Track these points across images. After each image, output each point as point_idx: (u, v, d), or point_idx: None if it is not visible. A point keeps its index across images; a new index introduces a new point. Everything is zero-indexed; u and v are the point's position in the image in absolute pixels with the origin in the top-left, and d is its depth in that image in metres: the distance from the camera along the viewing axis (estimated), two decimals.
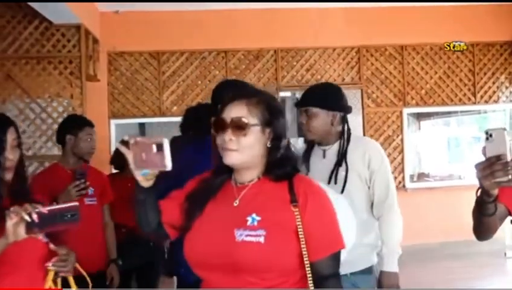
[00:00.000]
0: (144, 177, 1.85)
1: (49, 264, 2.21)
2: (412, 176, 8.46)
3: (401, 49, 8.26)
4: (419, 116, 9.25)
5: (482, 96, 8.41)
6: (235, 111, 1.86)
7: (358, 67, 8.20)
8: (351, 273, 2.88)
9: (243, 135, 1.83)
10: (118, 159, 4.50)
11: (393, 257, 2.90)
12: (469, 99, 8.38)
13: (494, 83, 8.45)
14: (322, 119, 2.93)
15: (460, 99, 8.37)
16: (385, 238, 2.91)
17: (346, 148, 2.95)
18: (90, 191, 3.69)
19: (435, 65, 8.34)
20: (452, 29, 8.10)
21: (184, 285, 2.97)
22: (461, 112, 8.91)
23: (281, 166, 1.89)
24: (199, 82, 7.93)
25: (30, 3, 5.78)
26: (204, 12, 7.71)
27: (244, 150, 1.84)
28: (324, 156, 2.98)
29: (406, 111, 8.33)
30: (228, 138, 1.83)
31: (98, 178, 3.95)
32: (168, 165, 1.76)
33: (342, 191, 2.87)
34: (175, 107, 7.93)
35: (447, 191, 7.93)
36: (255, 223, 1.80)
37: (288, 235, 1.78)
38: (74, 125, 3.92)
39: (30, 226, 1.88)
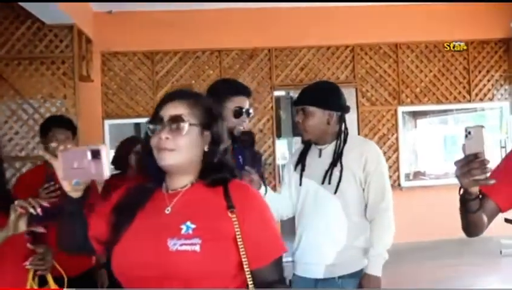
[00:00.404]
0: (73, 187, 1.71)
1: (27, 263, 2.22)
2: (408, 175, 8.45)
3: (395, 47, 8.25)
4: (415, 115, 9.23)
5: (477, 94, 8.41)
6: (175, 109, 1.74)
7: (352, 66, 8.19)
8: (339, 277, 2.86)
9: (180, 134, 1.71)
10: (118, 160, 4.45)
11: (379, 261, 2.83)
12: (464, 97, 8.38)
13: (489, 80, 8.44)
14: (318, 118, 2.89)
15: (455, 98, 8.37)
16: (375, 241, 2.85)
17: (343, 148, 2.91)
18: None
19: (429, 63, 8.33)
20: (447, 27, 8.10)
21: None
22: (456, 110, 8.90)
23: (217, 171, 1.78)
24: (193, 82, 7.90)
25: (22, 4, 5.74)
26: (198, 11, 7.69)
27: (181, 150, 1.72)
28: (320, 156, 2.95)
29: (401, 109, 8.32)
30: (164, 136, 1.70)
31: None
32: (105, 174, 1.61)
33: (335, 192, 2.85)
34: None
35: (443, 190, 7.89)
36: (190, 231, 1.67)
37: (226, 243, 1.67)
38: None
39: (32, 220, 1.90)
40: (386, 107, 8.24)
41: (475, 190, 1.84)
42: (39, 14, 6.09)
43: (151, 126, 1.75)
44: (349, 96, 8.05)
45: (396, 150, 8.23)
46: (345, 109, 2.99)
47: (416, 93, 8.34)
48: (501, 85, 8.49)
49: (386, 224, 2.89)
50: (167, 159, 1.71)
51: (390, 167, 8.14)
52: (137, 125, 8.67)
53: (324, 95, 2.95)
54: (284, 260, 1.81)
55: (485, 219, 1.99)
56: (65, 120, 3.70)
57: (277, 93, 8.45)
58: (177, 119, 1.73)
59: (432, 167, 8.91)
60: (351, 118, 9.55)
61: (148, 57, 7.88)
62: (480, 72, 8.41)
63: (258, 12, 7.81)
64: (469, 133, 1.78)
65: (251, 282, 1.67)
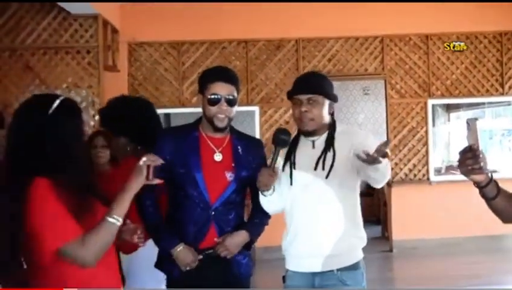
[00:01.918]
0: None
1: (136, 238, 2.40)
2: (439, 169, 8.27)
3: (426, 38, 8.06)
4: (448, 108, 9.04)
5: (510, 87, 8.16)
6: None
7: (381, 58, 8.03)
8: (338, 269, 2.80)
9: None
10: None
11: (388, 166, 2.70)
12: (496, 90, 8.14)
13: None
14: (325, 108, 2.85)
15: (487, 90, 8.14)
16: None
17: (333, 135, 2.87)
18: None
19: (461, 55, 8.11)
20: (478, 18, 7.88)
21: (168, 279, 2.93)
22: (488, 103, 8.67)
23: None
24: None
25: None
26: (225, 2, 7.60)
27: None
28: (314, 147, 2.88)
29: (431, 102, 8.13)
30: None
31: None
32: None
33: (327, 176, 2.77)
34: (195, 98, 7.84)
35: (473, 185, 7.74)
36: None
37: None
38: None
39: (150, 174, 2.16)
40: (416, 100, 8.06)
41: (477, 178, 2.01)
42: (64, 4, 6.10)
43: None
44: (378, 88, 7.95)
45: (426, 143, 8.05)
46: (336, 99, 2.97)
47: (447, 85, 8.14)
48: None
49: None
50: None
51: (419, 161, 7.99)
52: (167, 115, 8.68)
53: (325, 84, 2.91)
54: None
55: (509, 205, 2.08)
56: None
57: None
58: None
59: None
60: (379, 110, 9.44)
61: (175, 47, 7.84)
62: None
63: (286, 2, 7.70)
64: (468, 125, 1.93)
65: None
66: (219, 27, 7.71)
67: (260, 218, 2.99)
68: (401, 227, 7.71)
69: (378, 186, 2.84)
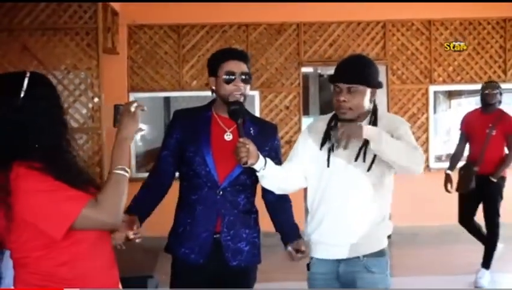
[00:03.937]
0: None
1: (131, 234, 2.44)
2: (439, 156, 8.22)
3: (428, 24, 7.98)
4: (450, 95, 8.96)
5: None
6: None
7: (383, 43, 7.95)
8: (364, 256, 2.79)
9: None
10: None
11: (380, 133, 2.64)
12: (499, 76, 8.06)
13: None
14: (365, 97, 2.77)
15: (490, 77, 8.06)
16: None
17: (376, 124, 2.80)
18: None
19: (464, 41, 8.03)
20: (481, 4, 7.78)
21: (182, 265, 2.89)
22: None
23: None
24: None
25: None
26: None
27: None
28: None
29: (433, 89, 8.07)
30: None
31: None
32: None
33: (368, 170, 2.75)
34: (195, 82, 7.81)
35: None
36: None
37: None
38: None
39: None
40: (417, 86, 7.99)
41: None
42: None
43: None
44: (380, 74, 7.85)
45: (426, 130, 8.00)
46: (381, 85, 2.90)
47: (449, 72, 8.07)
48: None
49: (413, 150, 2.71)
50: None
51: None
52: (167, 99, 8.64)
53: (369, 71, 2.82)
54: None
55: None
56: None
57: (305, 69, 8.28)
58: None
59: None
60: (380, 96, 9.35)
61: (175, 30, 7.76)
62: None
63: None
64: None
65: None
66: (220, 10, 7.62)
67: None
68: (401, 214, 7.64)
69: (409, 172, 2.74)
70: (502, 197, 5.70)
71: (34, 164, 1.90)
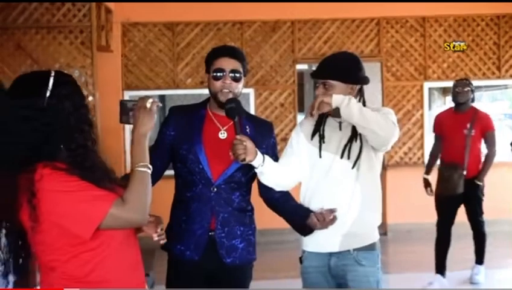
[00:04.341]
0: None
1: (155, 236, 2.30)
2: None
3: (422, 21, 7.99)
4: (445, 92, 8.98)
5: (507, 71, 8.11)
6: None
7: (378, 40, 7.96)
8: (354, 249, 2.83)
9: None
10: None
11: (350, 101, 2.67)
12: (493, 73, 8.10)
13: None
14: (340, 91, 2.80)
15: (484, 74, 8.10)
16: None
17: None
18: None
19: (458, 38, 8.04)
20: (476, 0, 7.79)
21: (178, 262, 2.88)
22: (485, 86, 8.62)
23: None
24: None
25: None
26: None
27: None
28: (340, 128, 2.87)
29: (427, 85, 8.11)
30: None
31: None
32: None
33: (353, 167, 2.82)
34: (189, 80, 7.81)
35: None
36: None
37: None
38: None
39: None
40: (412, 83, 8.01)
41: None
42: None
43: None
44: (374, 70, 7.84)
45: (421, 127, 8.02)
46: (366, 81, 2.93)
47: (444, 68, 8.09)
48: None
49: (387, 119, 2.74)
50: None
51: (414, 144, 7.98)
52: (162, 97, 8.60)
53: (345, 67, 2.88)
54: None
55: None
56: None
57: (299, 67, 8.28)
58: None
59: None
60: (375, 93, 9.40)
61: (169, 28, 7.75)
62: (511, 47, 8.08)
63: None
64: None
65: None
66: (214, 8, 7.61)
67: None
68: (396, 211, 7.69)
69: (383, 142, 2.77)
70: (484, 196, 5.59)
71: (60, 165, 1.87)
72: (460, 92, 5.59)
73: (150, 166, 2.00)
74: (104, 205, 1.86)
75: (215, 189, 2.81)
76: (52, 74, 1.96)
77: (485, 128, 5.57)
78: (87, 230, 1.85)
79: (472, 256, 5.77)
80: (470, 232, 5.73)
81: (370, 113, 2.68)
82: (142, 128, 2.03)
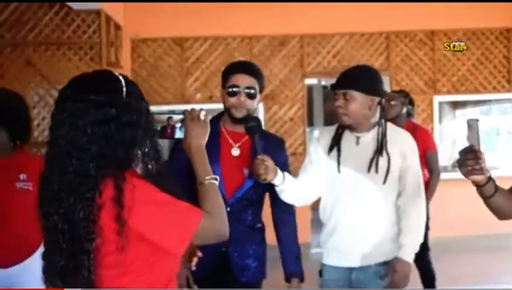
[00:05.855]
0: None
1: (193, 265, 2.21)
2: (445, 167, 8.17)
3: (431, 34, 7.97)
4: (455, 105, 8.94)
5: None
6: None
7: (387, 54, 7.95)
8: (375, 264, 2.87)
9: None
10: None
11: (413, 248, 2.85)
12: (503, 86, 8.05)
13: None
14: (360, 103, 2.82)
15: (494, 87, 8.06)
16: (408, 229, 2.85)
17: (385, 135, 2.86)
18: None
19: (467, 52, 8.02)
20: (485, 14, 7.79)
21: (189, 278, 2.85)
22: (496, 100, 8.57)
23: None
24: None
25: None
26: None
27: None
28: (358, 143, 2.89)
29: (437, 99, 8.06)
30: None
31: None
32: None
33: (384, 182, 2.83)
34: (199, 94, 7.81)
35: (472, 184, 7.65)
36: None
37: None
38: None
39: None
40: (421, 97, 7.97)
41: (478, 179, 2.00)
42: None
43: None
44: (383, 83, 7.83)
45: None
46: (385, 95, 2.95)
47: (453, 82, 8.06)
48: None
49: (421, 217, 2.90)
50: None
51: None
52: (171, 112, 8.60)
53: (366, 79, 2.88)
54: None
55: (506, 202, 2.10)
56: None
57: (309, 81, 8.28)
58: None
59: None
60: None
61: (178, 44, 7.78)
62: None
63: None
64: (469, 125, 1.93)
65: None
66: (223, 23, 7.64)
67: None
68: None
69: None
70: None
71: (138, 174, 1.74)
72: (394, 105, 4.91)
73: (217, 177, 1.93)
74: (195, 217, 1.74)
75: (229, 208, 2.73)
76: (119, 74, 1.80)
77: (425, 146, 4.82)
78: (181, 245, 1.72)
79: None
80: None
81: (419, 230, 2.86)
82: (201, 140, 1.99)
